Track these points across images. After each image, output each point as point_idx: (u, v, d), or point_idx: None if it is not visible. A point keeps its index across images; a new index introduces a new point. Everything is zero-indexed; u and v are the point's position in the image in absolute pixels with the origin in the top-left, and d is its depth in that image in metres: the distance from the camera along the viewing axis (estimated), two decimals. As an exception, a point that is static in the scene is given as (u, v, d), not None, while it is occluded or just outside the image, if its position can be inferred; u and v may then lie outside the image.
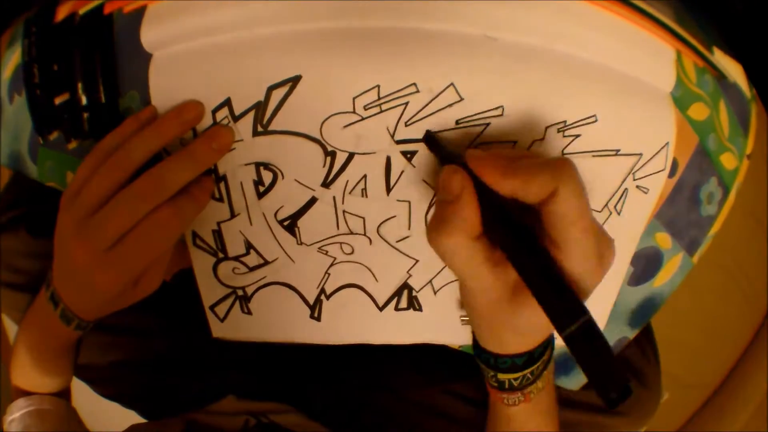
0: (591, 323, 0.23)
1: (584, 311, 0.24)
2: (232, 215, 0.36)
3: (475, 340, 0.34)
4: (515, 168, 0.26)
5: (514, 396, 0.34)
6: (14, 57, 0.39)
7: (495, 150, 0.29)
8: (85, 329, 0.39)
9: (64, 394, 0.48)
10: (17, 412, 0.45)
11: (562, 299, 0.24)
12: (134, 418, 0.52)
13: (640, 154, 0.34)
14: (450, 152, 0.30)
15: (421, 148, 0.33)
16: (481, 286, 0.27)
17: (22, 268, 0.47)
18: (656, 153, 0.35)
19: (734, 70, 0.40)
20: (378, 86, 0.31)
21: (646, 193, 0.36)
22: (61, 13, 0.37)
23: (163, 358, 0.50)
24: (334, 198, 0.35)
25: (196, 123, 0.32)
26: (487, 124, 0.32)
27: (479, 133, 0.32)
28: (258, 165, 0.34)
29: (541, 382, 0.34)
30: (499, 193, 0.26)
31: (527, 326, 0.28)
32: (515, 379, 0.32)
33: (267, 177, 0.35)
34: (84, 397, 0.52)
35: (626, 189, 0.35)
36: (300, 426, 0.48)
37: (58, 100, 0.36)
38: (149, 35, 0.33)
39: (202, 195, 0.34)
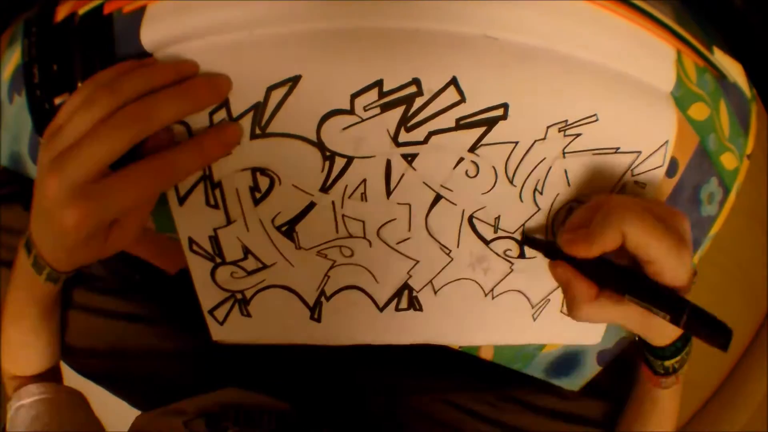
0: (693, 308, 0.30)
1: (685, 304, 0.31)
2: (228, 222, 0.36)
3: (642, 345, 0.41)
4: (589, 236, 0.31)
5: (670, 379, 0.41)
6: (14, 57, 0.39)
7: (573, 219, 0.34)
8: (56, 281, 0.37)
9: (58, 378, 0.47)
10: (27, 398, 0.42)
11: (667, 303, 0.31)
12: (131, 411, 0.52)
13: (639, 152, 0.35)
14: (547, 243, 0.37)
15: (422, 151, 0.33)
16: (628, 320, 0.34)
17: (17, 245, 0.46)
18: (655, 151, 0.35)
19: (734, 70, 0.40)
20: (378, 86, 0.31)
21: (643, 188, 0.36)
22: (61, 13, 0.37)
23: (162, 353, 0.50)
24: (332, 203, 0.35)
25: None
26: (488, 125, 0.32)
27: (482, 135, 0.32)
28: (254, 170, 0.34)
29: (686, 366, 0.40)
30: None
31: None
32: (677, 362, 0.39)
33: (264, 183, 0.34)
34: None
35: (624, 184, 0.36)
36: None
37: (58, 100, 0.36)
38: (149, 35, 0.33)
39: (212, 91, 0.31)
